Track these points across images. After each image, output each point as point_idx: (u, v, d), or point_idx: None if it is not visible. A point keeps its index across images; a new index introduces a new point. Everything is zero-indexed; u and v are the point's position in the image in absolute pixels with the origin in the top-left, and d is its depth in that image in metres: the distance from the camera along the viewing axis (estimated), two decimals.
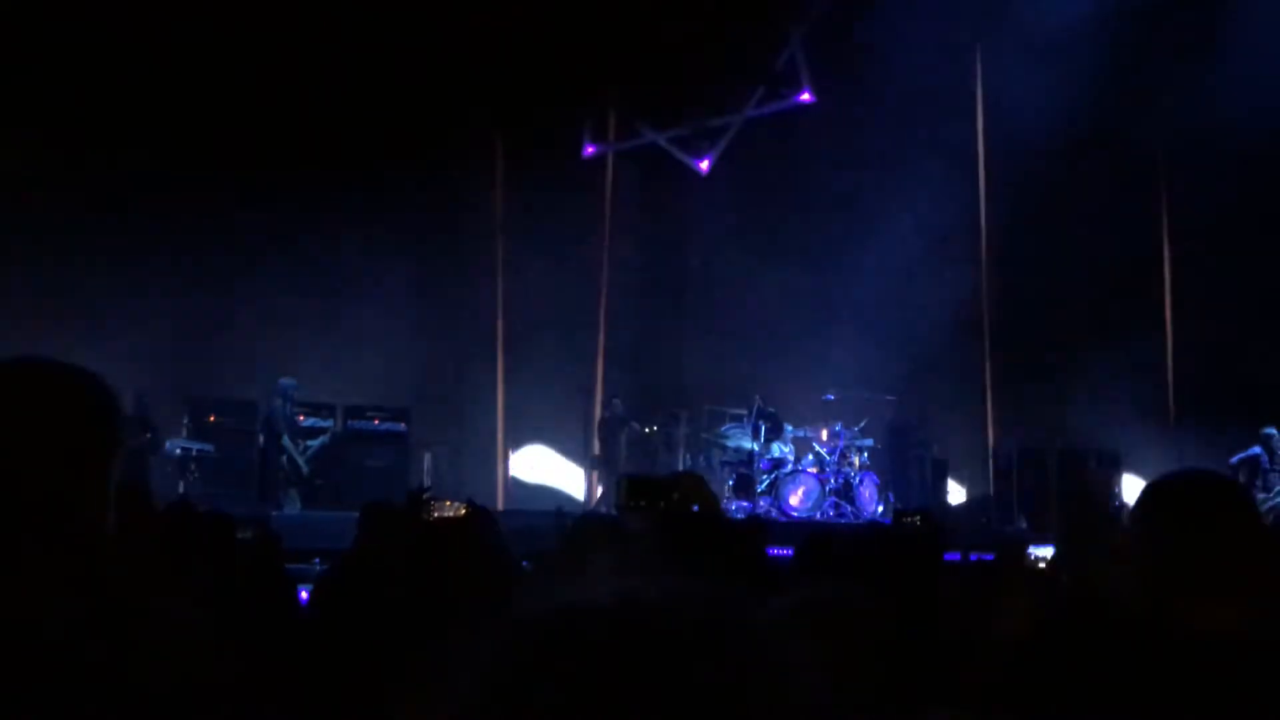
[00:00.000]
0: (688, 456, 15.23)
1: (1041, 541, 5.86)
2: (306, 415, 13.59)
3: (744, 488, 13.98)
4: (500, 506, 14.45)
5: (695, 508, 2.93)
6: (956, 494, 16.09)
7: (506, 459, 16.23)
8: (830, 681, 0.86)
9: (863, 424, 14.40)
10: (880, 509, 13.75)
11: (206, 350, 14.24)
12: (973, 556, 5.91)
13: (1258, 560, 2.09)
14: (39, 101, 13.00)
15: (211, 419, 13.63)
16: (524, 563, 4.50)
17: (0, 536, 1.40)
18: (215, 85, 13.54)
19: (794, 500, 13.67)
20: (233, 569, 4.15)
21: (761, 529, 3.52)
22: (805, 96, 15.04)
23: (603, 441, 15.28)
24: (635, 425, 15.06)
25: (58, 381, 1.52)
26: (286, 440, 13.14)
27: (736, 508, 13.31)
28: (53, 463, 1.45)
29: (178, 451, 13.04)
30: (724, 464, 14.38)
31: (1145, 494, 2.25)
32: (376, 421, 14.12)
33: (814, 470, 13.94)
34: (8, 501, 1.41)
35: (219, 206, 14.16)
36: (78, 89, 13.09)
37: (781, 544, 8.21)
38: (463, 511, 3.76)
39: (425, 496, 4.80)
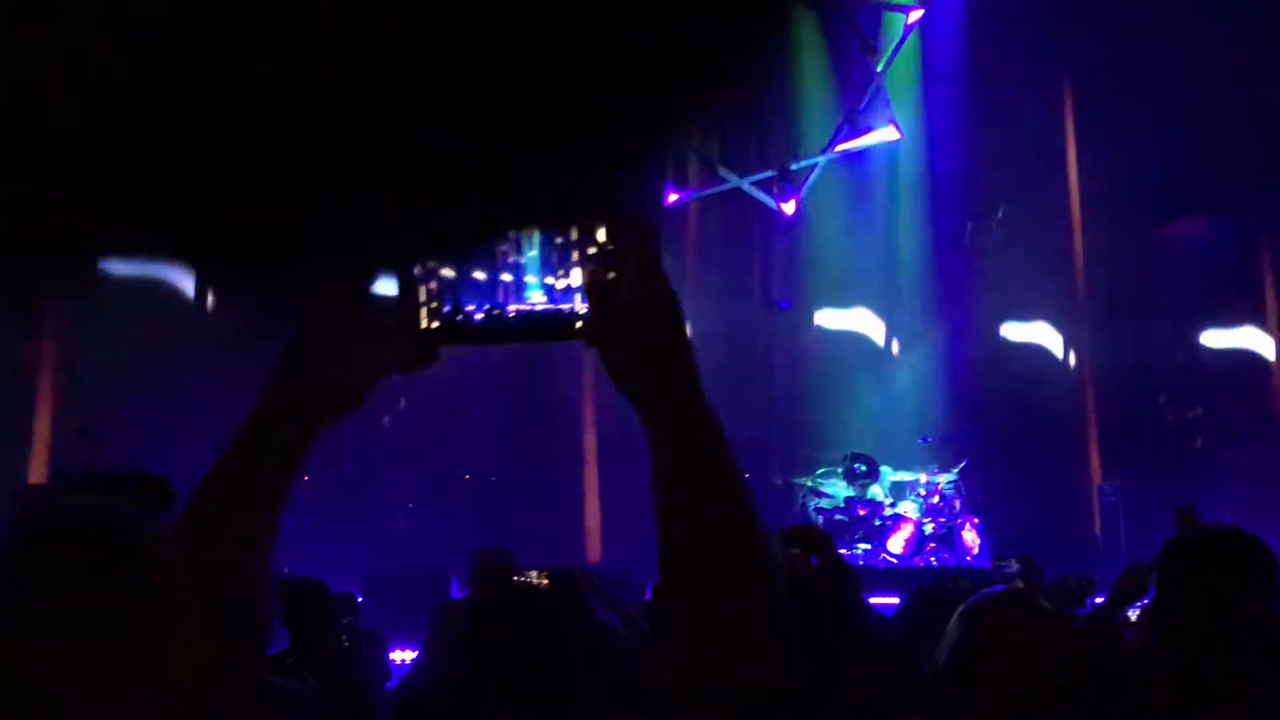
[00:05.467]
0: (781, 503, 14.91)
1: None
2: None
3: (840, 535, 13.62)
4: (596, 558, 14.27)
5: (814, 560, 2.73)
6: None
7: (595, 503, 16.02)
8: None
9: (962, 465, 14.00)
10: (983, 553, 13.30)
11: None
12: (1089, 604, 5.54)
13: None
14: None
15: None
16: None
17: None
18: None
19: (893, 546, 13.29)
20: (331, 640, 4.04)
21: (842, 580, 3.26)
22: (891, 134, 14.80)
23: None
24: None
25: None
26: None
27: None
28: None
29: None
30: (818, 510, 14.04)
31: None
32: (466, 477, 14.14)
33: (913, 515, 13.56)
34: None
35: None
36: None
37: (884, 591, 7.94)
38: (545, 581, 3.57)
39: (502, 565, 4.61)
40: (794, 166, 15.56)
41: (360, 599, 6.69)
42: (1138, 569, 4.09)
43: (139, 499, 2.14)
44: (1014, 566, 6.43)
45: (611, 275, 1.20)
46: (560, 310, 1.21)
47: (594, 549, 15.26)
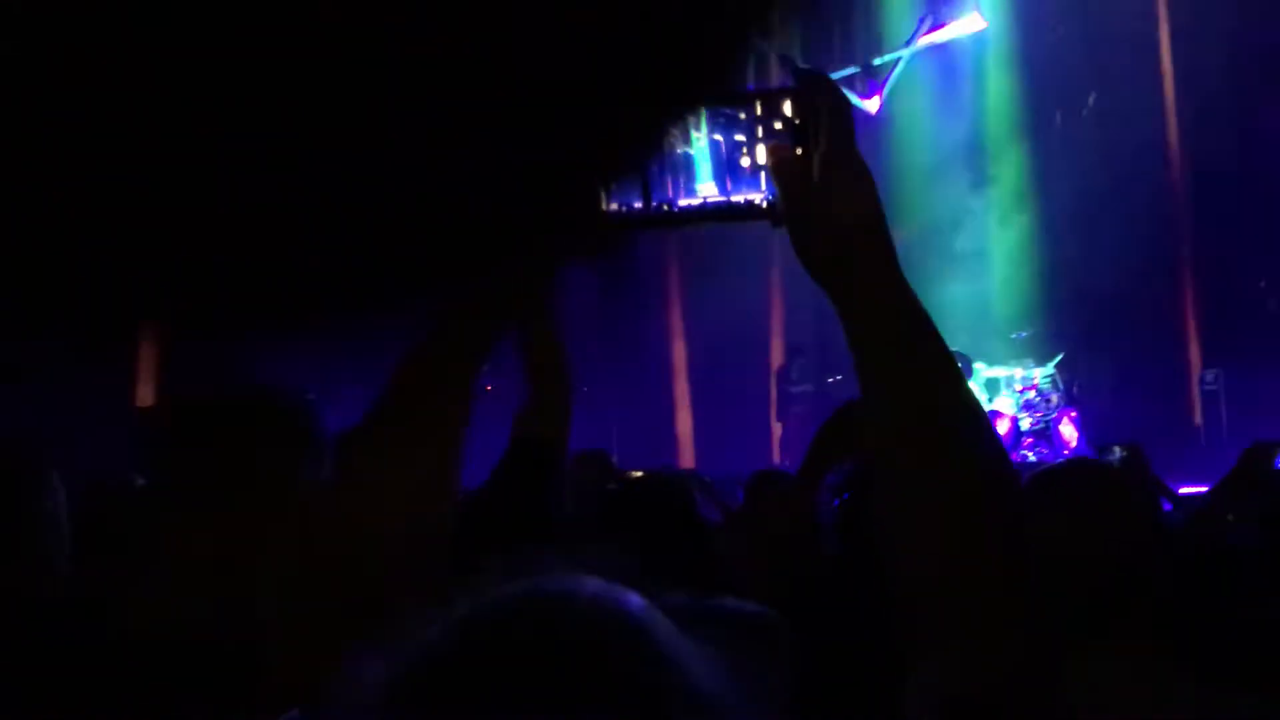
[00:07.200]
0: None
1: None
2: None
3: None
4: (690, 464, 14.36)
5: None
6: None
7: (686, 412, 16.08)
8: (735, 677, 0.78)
9: (1058, 358, 13.81)
10: (1081, 446, 13.17)
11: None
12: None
13: None
14: None
15: None
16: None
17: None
18: None
19: None
20: None
21: None
22: (977, 22, 14.42)
23: (782, 394, 15.02)
24: (796, 378, 14.67)
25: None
26: None
27: None
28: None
29: None
30: None
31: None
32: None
33: (1009, 411, 13.44)
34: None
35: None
36: None
37: None
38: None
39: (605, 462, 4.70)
40: (877, 62, 15.22)
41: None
42: (1264, 449, 3.67)
43: None
44: (1118, 453, 6.22)
45: (799, 151, 1.12)
46: (740, 186, 1.13)
47: (687, 456, 15.37)
